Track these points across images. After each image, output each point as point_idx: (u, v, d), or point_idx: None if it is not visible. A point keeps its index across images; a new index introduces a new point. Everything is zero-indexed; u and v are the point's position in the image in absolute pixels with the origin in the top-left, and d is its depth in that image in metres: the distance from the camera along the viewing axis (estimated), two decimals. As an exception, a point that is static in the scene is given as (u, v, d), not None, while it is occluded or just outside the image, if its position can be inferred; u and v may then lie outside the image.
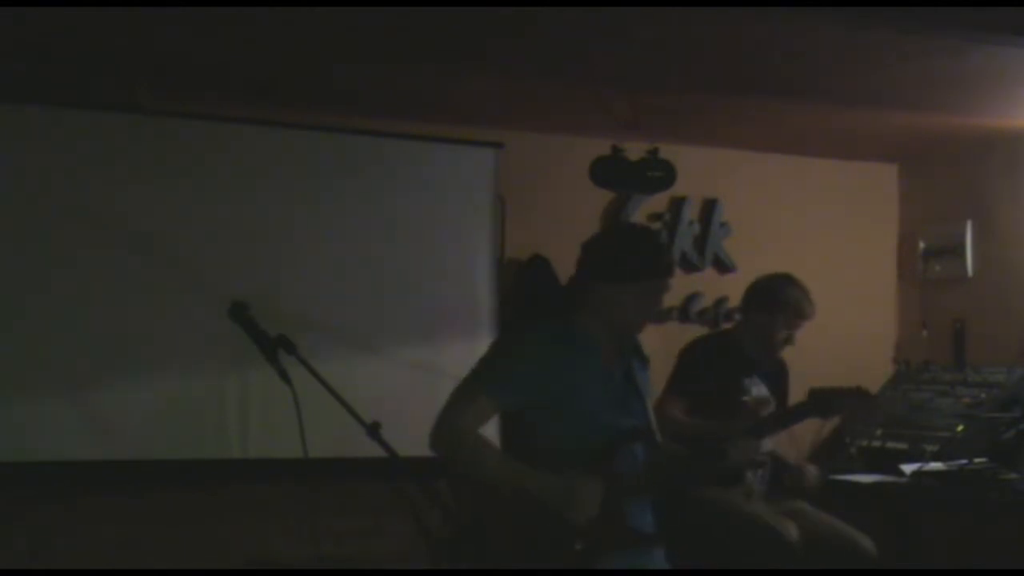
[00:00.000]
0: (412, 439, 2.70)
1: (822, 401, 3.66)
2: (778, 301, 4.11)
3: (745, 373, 4.13)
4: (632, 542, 2.82)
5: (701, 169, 5.47)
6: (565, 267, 5.03)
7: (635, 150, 5.00)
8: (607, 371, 2.88)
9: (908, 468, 4.50)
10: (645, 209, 5.49)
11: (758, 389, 4.13)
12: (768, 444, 3.95)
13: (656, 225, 5.48)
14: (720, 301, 5.57)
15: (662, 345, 4.10)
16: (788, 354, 4.26)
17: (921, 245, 5.80)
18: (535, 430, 2.81)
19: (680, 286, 5.35)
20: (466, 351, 4.89)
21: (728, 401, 3.98)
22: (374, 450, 2.74)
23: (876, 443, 4.91)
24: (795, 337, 4.18)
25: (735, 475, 3.99)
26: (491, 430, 2.92)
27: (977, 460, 4.46)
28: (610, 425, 2.83)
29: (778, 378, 4.29)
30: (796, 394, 4.48)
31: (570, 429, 2.79)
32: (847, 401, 3.70)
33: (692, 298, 5.53)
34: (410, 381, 4.80)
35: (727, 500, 4.02)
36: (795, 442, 4.26)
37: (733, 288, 5.50)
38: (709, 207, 5.62)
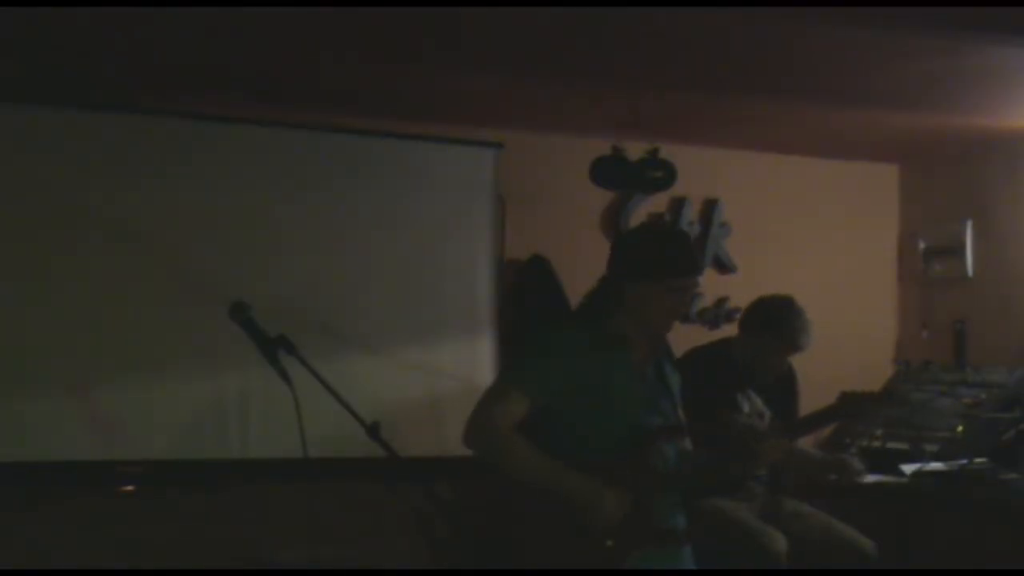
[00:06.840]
0: (412, 439, 2.70)
1: (854, 405, 3.43)
2: (774, 328, 4.04)
3: (739, 388, 4.10)
4: (662, 539, 2.83)
5: (701, 169, 5.46)
6: (565, 267, 5.07)
7: (635, 150, 4.99)
8: (638, 370, 2.88)
9: (908, 468, 4.50)
10: (645, 209, 5.49)
11: (751, 404, 4.10)
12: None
13: (656, 225, 5.47)
14: (720, 301, 5.56)
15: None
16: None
17: (921, 245, 5.80)
18: (566, 428, 2.81)
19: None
20: (466, 351, 4.93)
21: (719, 417, 3.91)
22: (374, 450, 2.75)
23: (876, 443, 4.91)
24: (788, 363, 4.13)
25: (737, 481, 3.98)
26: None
27: (977, 460, 4.46)
28: (640, 424, 2.84)
29: (785, 384, 4.25)
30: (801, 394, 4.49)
31: (601, 427, 2.80)
32: (881, 407, 3.56)
33: (692, 298, 5.52)
34: (410, 381, 4.80)
35: (718, 505, 4.01)
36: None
37: (733, 288, 5.51)
38: (709, 207, 5.62)
